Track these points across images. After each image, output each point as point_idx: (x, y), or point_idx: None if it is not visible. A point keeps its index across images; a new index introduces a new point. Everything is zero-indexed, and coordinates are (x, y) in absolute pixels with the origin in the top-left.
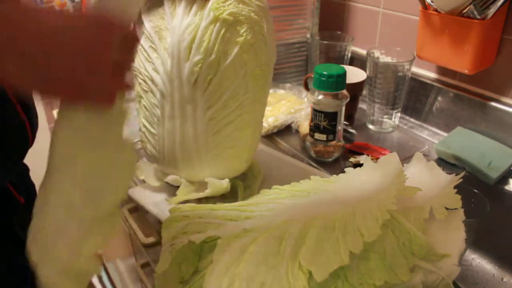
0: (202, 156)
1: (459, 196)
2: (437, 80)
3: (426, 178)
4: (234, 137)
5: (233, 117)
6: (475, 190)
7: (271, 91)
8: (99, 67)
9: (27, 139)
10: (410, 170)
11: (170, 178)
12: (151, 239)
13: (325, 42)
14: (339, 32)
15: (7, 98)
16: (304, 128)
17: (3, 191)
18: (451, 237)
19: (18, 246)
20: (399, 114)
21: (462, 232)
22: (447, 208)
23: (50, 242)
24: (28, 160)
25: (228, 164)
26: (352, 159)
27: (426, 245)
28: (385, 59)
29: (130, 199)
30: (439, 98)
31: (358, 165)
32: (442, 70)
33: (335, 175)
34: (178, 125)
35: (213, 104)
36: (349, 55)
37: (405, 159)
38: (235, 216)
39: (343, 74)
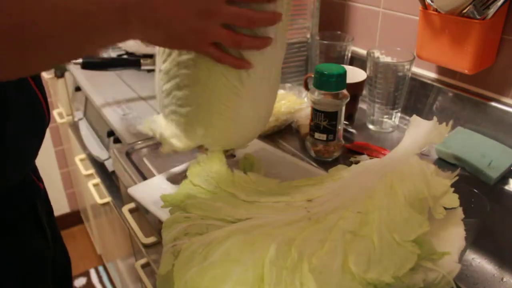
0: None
1: (456, 195)
2: (437, 80)
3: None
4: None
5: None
6: (475, 190)
7: None
8: (207, 19)
9: (45, 118)
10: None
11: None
12: (151, 239)
13: (325, 42)
14: (339, 32)
15: (26, 80)
16: (304, 128)
17: (26, 177)
18: (451, 235)
19: (39, 229)
20: (399, 114)
21: (461, 229)
22: (446, 208)
23: None
24: None
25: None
26: (352, 159)
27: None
28: (385, 59)
29: (130, 199)
30: (439, 98)
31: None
32: (442, 70)
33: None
34: None
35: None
36: (349, 55)
37: None
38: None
39: (343, 74)
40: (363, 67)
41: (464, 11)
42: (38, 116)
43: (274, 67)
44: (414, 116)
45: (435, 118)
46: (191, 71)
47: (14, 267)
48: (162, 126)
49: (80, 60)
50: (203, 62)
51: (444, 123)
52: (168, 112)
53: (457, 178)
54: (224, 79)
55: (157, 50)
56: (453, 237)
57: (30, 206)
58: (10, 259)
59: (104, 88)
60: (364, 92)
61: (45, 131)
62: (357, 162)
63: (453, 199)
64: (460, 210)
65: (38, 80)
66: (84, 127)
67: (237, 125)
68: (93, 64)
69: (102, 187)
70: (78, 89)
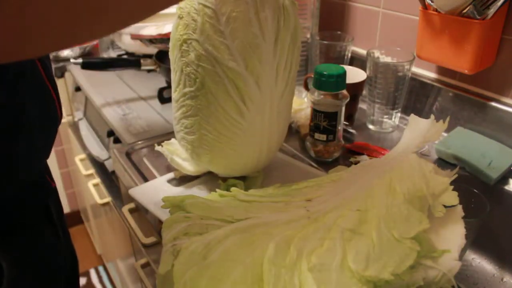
0: None
1: (456, 193)
2: (437, 80)
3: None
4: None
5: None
6: (475, 190)
7: None
8: None
9: (57, 115)
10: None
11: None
12: (151, 239)
13: (325, 42)
14: (339, 32)
15: (40, 76)
16: (304, 128)
17: (40, 175)
18: (451, 233)
19: (52, 226)
20: (399, 114)
21: (461, 227)
22: (445, 206)
23: None
24: None
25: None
26: (352, 159)
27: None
28: (385, 59)
29: (130, 199)
30: (439, 98)
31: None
32: (442, 70)
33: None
34: None
35: None
36: (349, 55)
37: None
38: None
39: (343, 74)
40: (363, 67)
41: (464, 11)
42: (51, 114)
43: (276, 101)
44: (412, 115)
45: (432, 116)
46: (193, 103)
47: (27, 265)
48: (178, 148)
49: (80, 60)
50: (203, 94)
51: (441, 120)
52: (179, 137)
53: (456, 176)
54: (223, 111)
55: (172, 79)
56: (453, 235)
57: (43, 205)
58: (24, 257)
59: (104, 88)
60: (364, 92)
61: (58, 129)
62: (357, 163)
63: (452, 197)
64: (460, 208)
65: (50, 76)
66: (84, 127)
67: (240, 155)
68: (93, 64)
69: (102, 187)
70: (78, 89)
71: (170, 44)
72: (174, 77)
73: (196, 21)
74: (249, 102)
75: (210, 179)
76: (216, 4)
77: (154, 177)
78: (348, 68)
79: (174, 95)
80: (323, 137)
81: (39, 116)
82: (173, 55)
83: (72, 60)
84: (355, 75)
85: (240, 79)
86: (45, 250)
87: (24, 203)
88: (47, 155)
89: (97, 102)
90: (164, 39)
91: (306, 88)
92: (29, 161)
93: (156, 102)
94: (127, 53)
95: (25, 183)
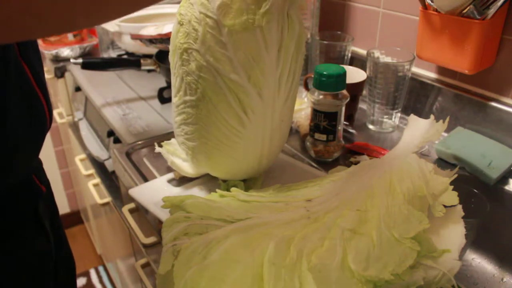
0: None
1: (455, 193)
2: (437, 80)
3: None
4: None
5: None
6: (475, 190)
7: None
8: None
9: (46, 121)
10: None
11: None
12: (151, 239)
13: (325, 42)
14: (339, 32)
15: (27, 78)
16: (304, 128)
17: (27, 179)
18: (451, 233)
19: (41, 231)
20: (399, 114)
21: (461, 227)
22: (445, 206)
23: None
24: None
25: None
26: (352, 159)
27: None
28: (385, 59)
29: (130, 199)
30: (439, 98)
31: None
32: (442, 70)
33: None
34: None
35: None
36: (349, 55)
37: None
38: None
39: (343, 74)
40: (363, 67)
41: (464, 11)
42: (39, 119)
43: (278, 109)
44: (412, 115)
45: (432, 116)
46: (193, 111)
47: (11, 270)
48: (177, 149)
49: (80, 60)
50: (203, 104)
51: (441, 120)
52: (180, 141)
53: (456, 176)
54: (224, 121)
55: (172, 83)
56: (453, 235)
57: (31, 208)
58: (7, 262)
59: (104, 88)
60: (364, 92)
61: (46, 134)
62: (357, 163)
63: (452, 197)
64: (459, 207)
65: (40, 81)
66: (84, 127)
67: (241, 162)
68: (93, 64)
69: (102, 187)
70: (78, 89)
71: (170, 49)
72: (174, 82)
73: (197, 30)
74: (251, 113)
75: (210, 179)
76: (218, 14)
77: (154, 177)
78: (348, 68)
79: (175, 100)
80: (323, 137)
81: (24, 120)
82: (173, 60)
83: (72, 60)
84: (355, 75)
85: (242, 90)
86: (29, 255)
87: (7, 207)
88: (33, 160)
89: (97, 102)
90: (164, 39)
91: (306, 88)
92: (10, 165)
93: (156, 102)
94: (127, 53)
95: (6, 185)
